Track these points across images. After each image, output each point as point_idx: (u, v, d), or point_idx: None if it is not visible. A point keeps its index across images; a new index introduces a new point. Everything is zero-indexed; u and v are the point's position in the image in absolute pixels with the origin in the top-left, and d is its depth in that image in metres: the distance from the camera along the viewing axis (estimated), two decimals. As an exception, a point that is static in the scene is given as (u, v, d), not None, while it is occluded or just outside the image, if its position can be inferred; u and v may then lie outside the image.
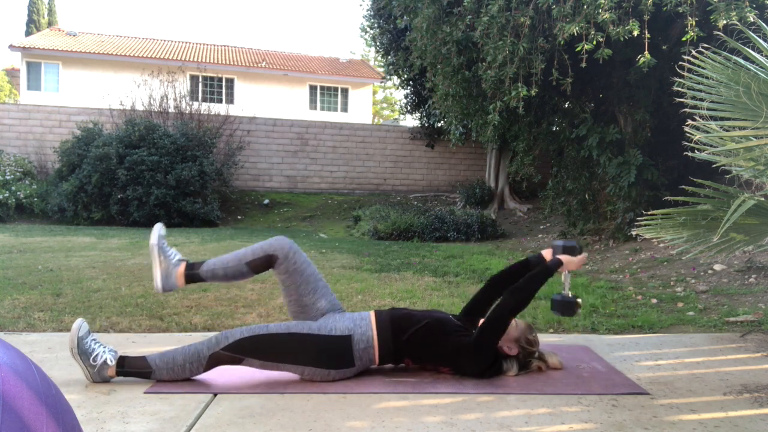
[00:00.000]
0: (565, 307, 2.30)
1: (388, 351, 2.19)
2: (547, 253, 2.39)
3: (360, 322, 2.19)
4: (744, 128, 2.34)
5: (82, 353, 2.09)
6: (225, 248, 6.41)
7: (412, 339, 2.19)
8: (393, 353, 2.20)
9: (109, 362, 2.11)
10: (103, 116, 12.31)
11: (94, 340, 2.14)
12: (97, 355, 2.11)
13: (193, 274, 2.22)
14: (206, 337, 2.53)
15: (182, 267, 2.22)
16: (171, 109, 12.05)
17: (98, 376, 2.11)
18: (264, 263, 2.23)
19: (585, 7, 4.90)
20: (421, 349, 2.21)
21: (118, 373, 2.12)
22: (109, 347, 2.15)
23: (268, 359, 2.11)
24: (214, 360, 2.11)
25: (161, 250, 2.21)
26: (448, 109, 7.43)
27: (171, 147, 10.31)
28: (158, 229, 2.25)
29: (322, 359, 2.12)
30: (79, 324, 2.12)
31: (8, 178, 10.33)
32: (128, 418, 1.80)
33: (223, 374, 2.23)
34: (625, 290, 4.32)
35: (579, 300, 2.32)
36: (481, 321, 2.25)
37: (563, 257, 2.30)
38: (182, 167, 10.17)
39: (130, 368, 2.12)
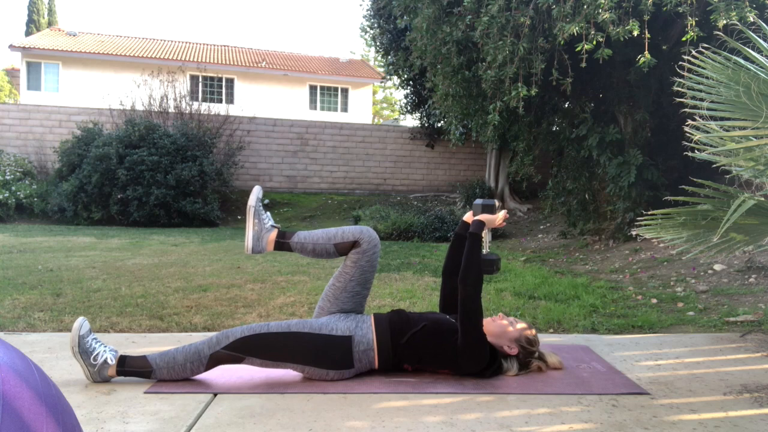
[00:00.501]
0: (486, 265, 2.28)
1: (388, 355, 2.19)
2: (468, 217, 2.45)
3: (360, 324, 2.20)
4: (744, 128, 2.34)
5: (83, 352, 2.09)
6: (225, 248, 6.41)
7: (410, 343, 2.19)
8: (392, 357, 2.20)
9: (109, 361, 2.11)
10: (103, 116, 12.31)
11: (95, 339, 2.14)
12: (97, 354, 2.11)
13: (283, 243, 2.27)
14: (206, 337, 2.53)
15: (274, 233, 2.28)
16: (171, 109, 12.05)
17: (98, 376, 2.11)
18: (349, 247, 2.28)
19: (585, 7, 4.90)
20: (419, 353, 2.21)
21: (119, 373, 2.12)
22: (109, 347, 2.16)
23: (268, 358, 2.12)
24: (215, 359, 2.11)
25: (257, 212, 2.27)
26: (448, 109, 7.43)
27: (171, 147, 10.31)
28: (257, 192, 2.31)
29: (321, 359, 2.12)
30: (80, 323, 2.12)
31: (8, 178, 10.33)
32: (128, 418, 1.80)
33: (223, 374, 2.23)
34: (625, 290, 4.32)
35: (497, 257, 2.33)
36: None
37: (483, 217, 2.33)
38: (182, 167, 10.17)
39: (131, 367, 2.12)
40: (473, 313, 2.17)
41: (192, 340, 2.70)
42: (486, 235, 2.35)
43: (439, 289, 2.60)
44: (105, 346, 2.14)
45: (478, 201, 2.38)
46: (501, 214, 2.37)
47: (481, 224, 2.30)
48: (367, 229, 2.29)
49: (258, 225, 2.26)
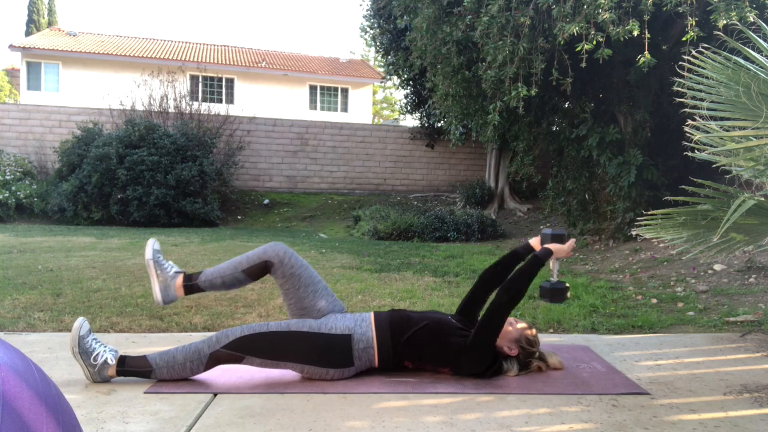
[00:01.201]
0: (555, 294, 2.30)
1: (388, 353, 2.19)
2: (535, 242, 2.40)
3: (360, 323, 2.19)
4: (744, 128, 2.34)
5: (83, 352, 2.09)
6: (225, 248, 6.41)
7: (411, 341, 2.19)
8: (392, 355, 2.20)
9: (109, 361, 2.11)
10: (103, 116, 12.31)
11: (95, 339, 2.14)
12: (98, 354, 2.11)
13: (192, 285, 2.24)
14: (206, 337, 2.53)
15: (180, 278, 2.24)
16: (171, 109, 12.05)
17: (98, 376, 2.11)
18: (260, 269, 2.24)
19: (585, 7, 4.90)
20: (420, 351, 2.21)
21: (119, 373, 2.12)
22: (109, 347, 2.16)
23: (268, 357, 2.12)
24: (215, 359, 2.11)
25: (157, 263, 2.23)
26: (448, 109, 7.43)
27: (171, 147, 10.31)
28: (152, 243, 2.26)
29: (321, 358, 2.12)
30: (80, 323, 2.12)
31: (8, 178, 10.33)
32: (128, 418, 1.80)
33: (223, 374, 2.23)
34: (625, 290, 4.32)
35: (567, 286, 2.33)
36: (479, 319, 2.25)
37: (552, 246, 2.31)
38: (182, 167, 10.17)
39: (131, 367, 2.12)
40: (496, 320, 2.17)
41: (192, 340, 2.70)
42: (554, 265, 2.35)
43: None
44: (105, 347, 2.14)
45: (547, 230, 2.36)
46: (569, 244, 2.34)
47: (549, 252, 2.28)
48: (270, 246, 2.25)
49: (162, 275, 2.22)
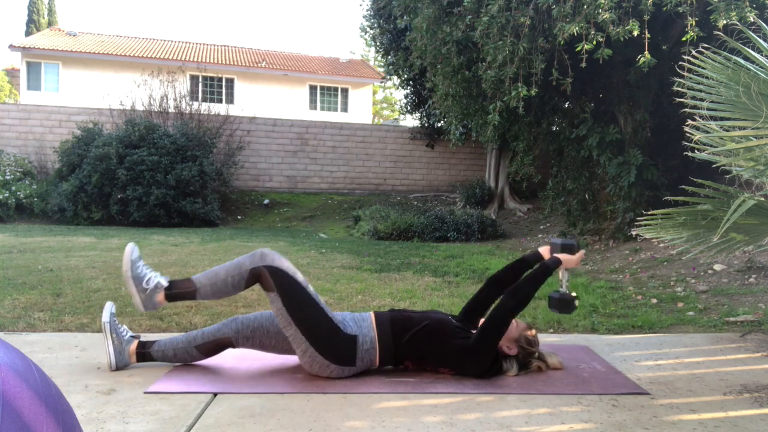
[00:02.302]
0: (563, 305, 2.30)
1: (389, 353, 2.19)
2: (544, 251, 2.39)
3: (362, 324, 2.20)
4: (744, 128, 2.34)
5: (135, 277, 2.10)
6: (225, 248, 6.41)
7: (412, 341, 2.19)
8: (393, 355, 2.20)
9: (163, 283, 2.12)
10: (103, 116, 12.31)
11: (144, 265, 2.15)
12: (149, 278, 2.12)
13: (144, 353, 2.26)
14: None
15: (134, 345, 2.26)
16: (171, 109, 12.05)
17: (149, 302, 2.11)
18: (215, 347, 2.25)
19: (585, 7, 4.90)
20: (421, 351, 2.21)
21: (167, 297, 2.12)
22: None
23: (289, 308, 2.09)
24: (255, 275, 2.10)
25: (112, 327, 2.23)
26: (448, 109, 7.43)
27: (171, 147, 10.31)
28: (109, 307, 2.26)
29: (329, 349, 2.12)
30: (132, 247, 2.14)
31: (8, 178, 10.33)
32: (128, 418, 1.80)
33: (223, 374, 2.23)
34: (625, 290, 4.32)
35: (576, 297, 2.33)
36: (481, 321, 2.25)
37: (562, 256, 2.30)
38: (182, 167, 10.17)
39: (178, 290, 2.13)
40: (501, 323, 2.18)
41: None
42: (564, 275, 2.34)
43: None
44: (155, 272, 2.15)
45: (557, 240, 2.36)
46: (578, 255, 2.33)
47: (558, 262, 2.28)
48: (224, 324, 2.24)
49: (117, 339, 2.22)
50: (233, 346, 2.25)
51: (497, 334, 2.18)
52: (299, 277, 2.16)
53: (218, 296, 2.14)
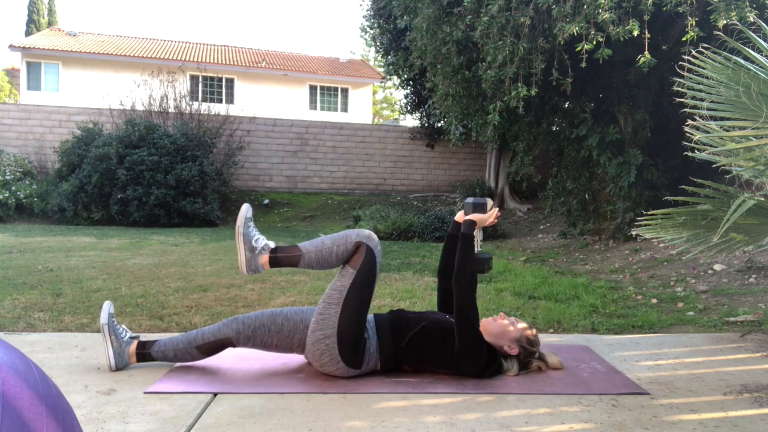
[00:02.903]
0: (477, 264, 2.25)
1: (390, 356, 2.20)
2: (459, 216, 2.42)
3: (367, 327, 2.21)
4: (744, 128, 2.34)
5: (246, 234, 2.14)
6: (225, 248, 6.41)
7: (411, 343, 2.19)
8: (394, 358, 2.21)
9: (270, 244, 2.17)
10: (103, 116, 12.31)
11: (255, 227, 2.21)
12: (258, 239, 2.17)
13: (144, 354, 2.26)
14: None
15: (134, 345, 2.26)
16: (171, 109, 12.05)
17: (253, 263, 2.15)
18: (216, 347, 2.26)
19: (585, 7, 4.90)
20: (420, 353, 2.21)
21: (271, 261, 2.16)
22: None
23: (352, 289, 2.11)
24: (356, 247, 2.13)
25: (111, 328, 2.23)
26: (448, 109, 7.43)
27: (171, 147, 10.31)
28: (107, 308, 2.26)
29: (347, 347, 2.12)
30: (247, 207, 2.19)
31: (8, 178, 10.33)
32: (128, 418, 1.80)
33: (223, 374, 2.23)
34: (625, 290, 4.32)
35: (490, 256, 2.30)
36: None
37: (474, 216, 2.30)
38: (182, 167, 10.17)
39: (283, 253, 2.17)
40: (469, 314, 2.17)
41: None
42: (478, 234, 2.32)
43: (437, 289, 2.59)
44: (263, 236, 2.20)
45: (470, 200, 2.35)
46: (492, 213, 2.34)
47: (472, 224, 2.28)
48: (224, 324, 2.25)
49: (116, 341, 2.22)
50: (234, 346, 2.25)
51: (472, 325, 2.16)
52: (377, 272, 2.19)
53: (321, 265, 2.16)
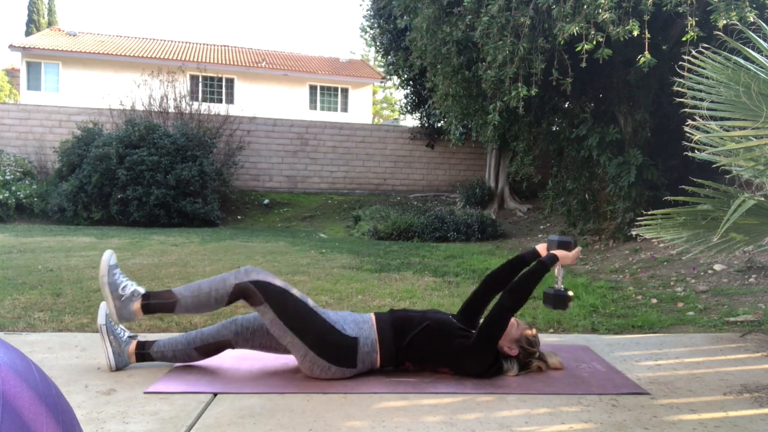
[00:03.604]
0: (558, 301, 2.31)
1: (390, 355, 2.19)
2: (541, 248, 2.39)
3: (363, 326, 2.20)
4: (744, 128, 2.34)
5: (111, 283, 2.08)
6: (225, 248, 6.41)
7: (413, 342, 2.19)
8: (394, 357, 2.20)
9: (140, 290, 2.10)
10: (103, 116, 12.31)
11: (122, 273, 2.14)
12: (125, 286, 2.10)
13: (144, 354, 2.26)
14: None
15: (133, 345, 2.26)
16: (171, 109, 12.05)
17: (124, 311, 2.08)
18: (215, 349, 2.25)
19: (585, 7, 4.90)
20: (422, 352, 2.21)
21: (144, 308, 2.10)
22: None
23: (282, 318, 2.08)
24: (239, 291, 2.09)
25: (110, 329, 2.22)
26: (448, 109, 7.43)
27: (171, 147, 10.31)
28: (104, 308, 2.25)
29: (329, 351, 2.11)
30: (110, 254, 2.12)
31: (8, 178, 10.33)
32: (128, 418, 1.80)
33: (223, 374, 2.23)
34: (625, 290, 4.32)
35: (571, 294, 2.33)
36: (481, 320, 2.25)
37: (558, 252, 2.30)
38: (182, 167, 10.17)
39: (156, 300, 2.11)
40: (500, 322, 2.18)
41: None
42: (559, 271, 2.34)
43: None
44: (132, 281, 2.14)
45: (554, 237, 2.36)
46: (575, 252, 2.34)
47: (554, 258, 2.28)
48: (222, 326, 2.25)
49: (115, 341, 2.22)
50: (233, 347, 2.25)
51: (497, 333, 2.18)
52: (281, 283, 2.15)
53: (198, 310, 2.13)
